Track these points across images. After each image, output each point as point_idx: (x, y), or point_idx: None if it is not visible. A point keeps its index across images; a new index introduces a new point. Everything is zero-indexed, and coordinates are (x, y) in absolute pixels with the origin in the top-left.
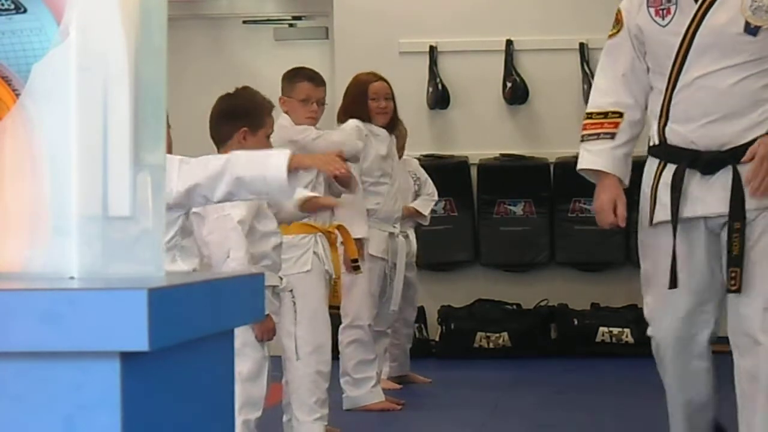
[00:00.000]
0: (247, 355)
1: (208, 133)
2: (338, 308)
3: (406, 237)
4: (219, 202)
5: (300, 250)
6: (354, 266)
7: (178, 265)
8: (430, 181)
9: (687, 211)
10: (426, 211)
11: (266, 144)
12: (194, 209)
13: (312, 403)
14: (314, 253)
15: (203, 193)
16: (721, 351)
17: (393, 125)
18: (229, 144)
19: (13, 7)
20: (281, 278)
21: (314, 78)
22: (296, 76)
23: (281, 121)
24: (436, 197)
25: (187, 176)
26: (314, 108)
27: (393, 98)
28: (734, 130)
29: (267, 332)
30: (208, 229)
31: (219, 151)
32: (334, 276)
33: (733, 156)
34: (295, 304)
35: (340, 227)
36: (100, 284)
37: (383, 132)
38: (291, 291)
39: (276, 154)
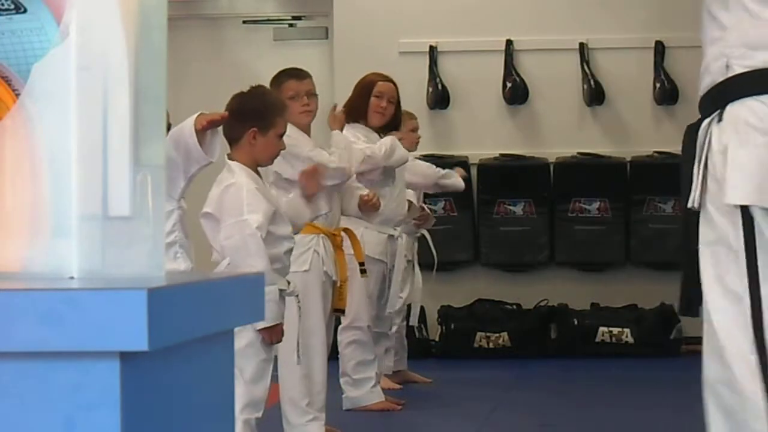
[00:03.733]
0: (250, 356)
1: None
2: (343, 312)
3: (420, 237)
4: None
5: (300, 248)
6: (361, 270)
7: (178, 263)
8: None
9: None
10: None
11: (277, 144)
12: (207, 209)
13: (304, 405)
14: (315, 252)
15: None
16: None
17: (388, 129)
18: (240, 143)
19: (13, 7)
20: (289, 282)
21: (297, 74)
22: (280, 77)
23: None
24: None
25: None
26: (305, 101)
27: (397, 103)
28: None
29: (276, 336)
30: (225, 234)
31: (231, 150)
32: (335, 279)
33: None
34: (300, 309)
35: (346, 230)
36: (100, 284)
37: (375, 136)
38: (297, 295)
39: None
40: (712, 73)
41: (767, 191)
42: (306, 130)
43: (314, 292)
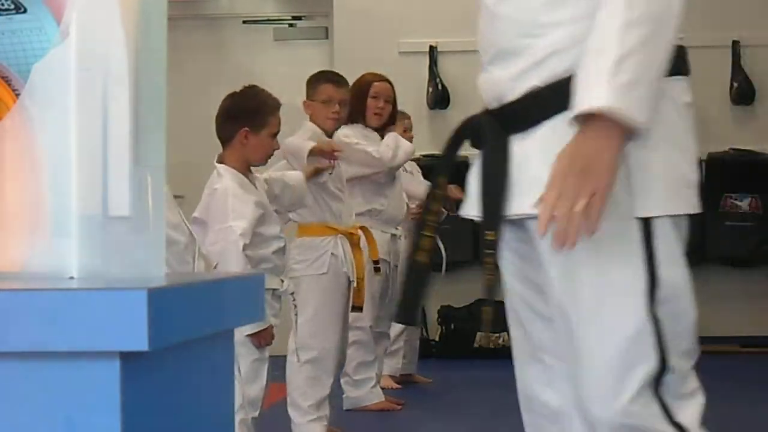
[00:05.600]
0: (242, 356)
1: (208, 133)
2: (361, 309)
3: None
4: None
5: (317, 252)
6: (376, 268)
7: None
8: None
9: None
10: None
11: (270, 144)
12: (196, 214)
13: (306, 406)
14: (332, 254)
15: None
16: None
17: (385, 128)
18: (232, 143)
19: (13, 7)
20: (282, 281)
21: (336, 79)
22: (318, 79)
23: (308, 125)
24: None
25: None
26: (336, 109)
27: (393, 102)
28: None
29: (265, 339)
30: (211, 239)
31: (223, 150)
32: (352, 279)
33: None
34: (295, 307)
35: (362, 228)
36: (100, 284)
37: (375, 135)
38: (292, 294)
39: None
40: None
41: None
42: (329, 135)
43: (332, 296)
